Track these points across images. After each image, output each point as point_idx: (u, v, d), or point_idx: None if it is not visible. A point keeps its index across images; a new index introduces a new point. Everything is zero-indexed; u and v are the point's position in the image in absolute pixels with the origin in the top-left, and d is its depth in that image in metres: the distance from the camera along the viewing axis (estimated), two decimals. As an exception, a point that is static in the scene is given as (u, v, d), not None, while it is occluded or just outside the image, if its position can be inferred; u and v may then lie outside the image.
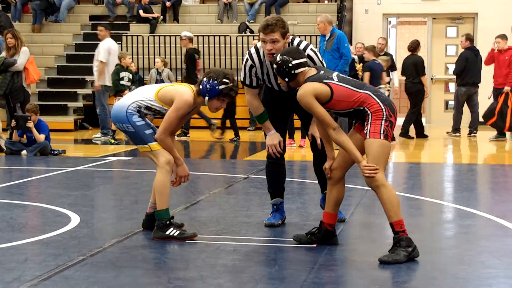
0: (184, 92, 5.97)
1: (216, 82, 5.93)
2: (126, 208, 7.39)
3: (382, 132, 5.35)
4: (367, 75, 13.57)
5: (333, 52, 12.37)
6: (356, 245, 5.96)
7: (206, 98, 5.95)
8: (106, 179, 9.93)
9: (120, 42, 18.92)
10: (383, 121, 5.37)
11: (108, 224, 6.58)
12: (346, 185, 5.74)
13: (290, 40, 6.07)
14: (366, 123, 5.41)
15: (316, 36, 16.83)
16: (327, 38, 12.51)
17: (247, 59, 6.23)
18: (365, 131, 5.40)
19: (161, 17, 20.38)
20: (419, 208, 7.63)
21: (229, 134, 14.82)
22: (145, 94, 6.05)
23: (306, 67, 5.56)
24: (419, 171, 11.01)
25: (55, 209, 7.25)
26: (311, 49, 6.11)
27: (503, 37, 14.99)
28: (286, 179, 6.60)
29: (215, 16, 20.45)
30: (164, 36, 18.69)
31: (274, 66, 5.60)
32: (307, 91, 5.38)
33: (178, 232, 5.92)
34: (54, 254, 5.45)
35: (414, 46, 15.58)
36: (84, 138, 15.44)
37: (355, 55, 14.43)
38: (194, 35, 18.51)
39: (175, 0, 20.39)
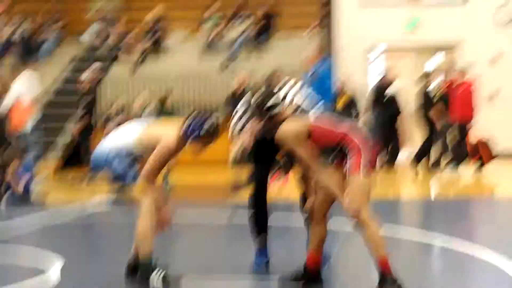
0: (166, 137, 5.93)
1: (198, 124, 5.90)
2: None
3: (362, 168, 5.33)
4: None
5: (317, 85, 12.39)
6: (342, 283, 5.90)
7: (189, 140, 5.92)
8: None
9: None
10: (363, 158, 5.35)
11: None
12: (331, 219, 5.70)
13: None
14: (346, 160, 5.40)
15: (300, 72, 16.84)
16: (312, 72, 12.56)
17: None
18: (346, 168, 5.38)
19: (142, 57, 20.43)
20: (401, 247, 7.57)
21: None
22: (126, 139, 6.02)
23: (282, 108, 5.55)
24: (401, 207, 10.98)
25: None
26: (295, 92, 6.07)
27: (461, 70, 15.15)
28: (271, 219, 6.54)
29: (197, 55, 20.48)
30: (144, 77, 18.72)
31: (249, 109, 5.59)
32: (286, 132, 5.37)
33: (162, 275, 5.85)
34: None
35: None
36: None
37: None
38: (176, 74, 18.56)
39: (155, 40, 20.51)
